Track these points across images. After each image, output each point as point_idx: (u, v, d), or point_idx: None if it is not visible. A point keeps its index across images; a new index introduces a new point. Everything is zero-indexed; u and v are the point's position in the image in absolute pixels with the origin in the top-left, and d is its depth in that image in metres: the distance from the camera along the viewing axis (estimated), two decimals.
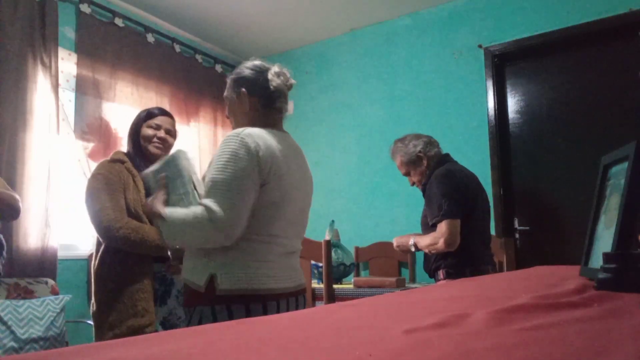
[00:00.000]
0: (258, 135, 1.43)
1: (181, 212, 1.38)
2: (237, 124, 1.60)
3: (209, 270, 1.39)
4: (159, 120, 2.03)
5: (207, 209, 1.32)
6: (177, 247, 1.77)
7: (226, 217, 1.32)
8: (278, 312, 1.42)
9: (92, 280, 1.93)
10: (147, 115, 2.04)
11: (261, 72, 1.57)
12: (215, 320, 1.36)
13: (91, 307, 1.93)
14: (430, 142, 2.37)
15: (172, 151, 1.58)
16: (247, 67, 1.60)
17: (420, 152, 2.33)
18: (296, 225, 1.54)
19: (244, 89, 1.57)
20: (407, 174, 2.41)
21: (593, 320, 0.51)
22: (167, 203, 1.45)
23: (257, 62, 1.61)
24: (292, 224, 1.51)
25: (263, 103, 1.56)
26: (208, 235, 1.34)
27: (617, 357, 0.36)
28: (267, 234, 1.43)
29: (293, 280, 1.51)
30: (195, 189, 1.46)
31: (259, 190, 1.40)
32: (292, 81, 1.61)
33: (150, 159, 1.97)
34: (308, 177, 1.62)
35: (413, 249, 2.29)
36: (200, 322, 1.38)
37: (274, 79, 1.56)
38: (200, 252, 1.43)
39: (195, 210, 1.35)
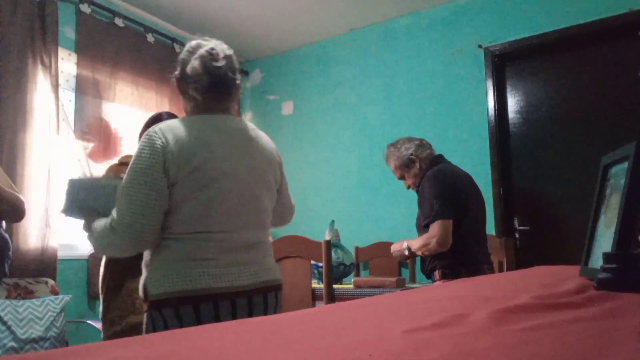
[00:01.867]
0: (169, 128, 1.35)
1: (99, 223, 1.36)
2: (185, 114, 1.51)
3: (144, 275, 1.37)
4: None
5: (111, 216, 1.31)
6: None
7: (121, 222, 1.29)
8: (217, 314, 1.31)
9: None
10: (154, 120, 2.06)
11: (191, 53, 1.44)
12: (153, 326, 1.32)
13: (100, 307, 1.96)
14: (422, 145, 2.38)
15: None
16: (185, 48, 1.48)
17: (412, 155, 2.34)
18: (241, 216, 1.39)
19: (175, 72, 1.47)
20: (401, 177, 2.42)
21: (593, 320, 0.51)
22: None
23: (194, 42, 1.47)
24: (234, 215, 1.37)
25: (194, 88, 1.42)
26: (113, 244, 1.33)
27: (617, 357, 0.36)
28: (197, 231, 1.33)
29: (244, 279, 1.36)
30: None
31: (168, 188, 1.31)
32: (218, 64, 1.42)
33: None
34: (257, 159, 1.46)
35: (407, 253, 2.28)
36: (146, 329, 1.35)
37: (192, 62, 1.42)
38: (143, 258, 1.41)
39: (106, 219, 1.34)
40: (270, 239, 1.60)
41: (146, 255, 1.40)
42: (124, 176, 1.35)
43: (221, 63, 1.43)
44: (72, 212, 1.47)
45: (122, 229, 1.29)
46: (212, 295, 1.31)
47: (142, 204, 1.29)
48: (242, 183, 1.40)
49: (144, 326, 1.38)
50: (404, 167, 2.37)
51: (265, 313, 1.42)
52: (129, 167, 1.35)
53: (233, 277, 1.34)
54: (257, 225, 1.45)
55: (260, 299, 1.41)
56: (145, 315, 1.38)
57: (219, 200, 1.35)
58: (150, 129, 1.36)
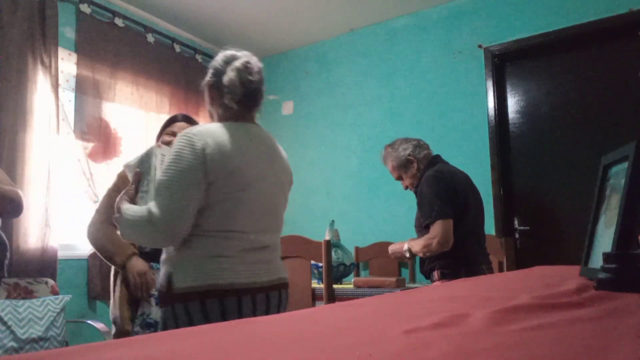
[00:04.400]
0: (208, 132, 1.42)
1: (133, 210, 1.39)
2: (210, 117, 1.61)
3: (168, 269, 1.41)
4: (176, 127, 2.05)
5: (148, 210, 1.35)
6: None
7: (163, 218, 1.33)
8: (240, 308, 1.39)
9: None
10: (167, 122, 2.09)
11: (226, 63, 1.53)
12: (175, 319, 1.37)
13: None
14: (420, 145, 2.38)
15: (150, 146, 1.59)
16: (218, 57, 1.56)
17: (410, 155, 2.34)
18: (262, 220, 1.49)
19: (208, 79, 1.55)
20: (399, 178, 2.42)
21: (593, 320, 0.51)
22: (133, 199, 1.47)
23: (229, 52, 1.57)
24: (256, 218, 1.47)
25: (229, 97, 1.51)
26: (148, 236, 1.39)
27: (617, 357, 0.36)
28: (224, 230, 1.41)
29: (262, 275, 1.46)
30: None
31: (206, 188, 1.38)
32: (252, 78, 1.52)
33: None
34: (279, 170, 1.57)
35: (408, 255, 2.26)
36: (165, 322, 1.40)
37: (228, 73, 1.51)
38: (164, 252, 1.46)
39: (142, 210, 1.37)
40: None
41: (169, 250, 1.44)
42: (161, 174, 1.40)
43: (255, 77, 1.54)
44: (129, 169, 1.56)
45: (162, 223, 1.34)
46: (236, 290, 1.39)
47: (184, 202, 1.35)
48: (268, 189, 1.50)
49: (162, 320, 1.42)
50: (402, 168, 2.37)
51: (278, 308, 1.53)
52: (166, 165, 1.40)
53: (253, 274, 1.43)
54: (274, 229, 1.56)
55: (276, 295, 1.50)
56: (165, 309, 1.41)
57: (247, 203, 1.44)
58: (188, 131, 1.43)
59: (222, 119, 1.55)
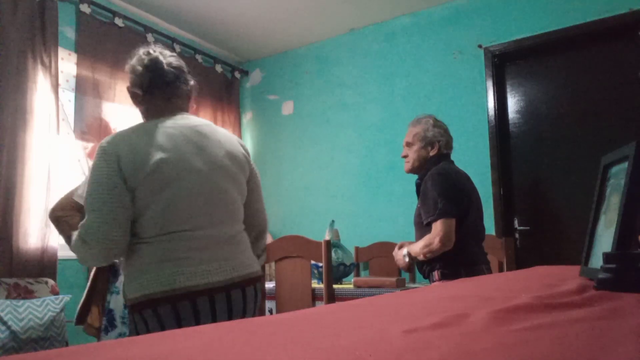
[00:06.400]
0: (121, 138, 1.39)
1: (75, 234, 1.41)
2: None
3: (122, 282, 1.43)
4: None
5: (79, 230, 1.36)
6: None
7: (88, 232, 1.33)
8: (196, 311, 1.33)
9: None
10: None
11: (130, 59, 1.54)
12: (136, 328, 1.36)
13: None
14: (448, 143, 2.33)
15: None
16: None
17: (439, 142, 2.29)
18: (207, 213, 1.40)
19: (128, 84, 1.54)
20: (408, 145, 2.36)
21: (593, 320, 0.51)
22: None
23: (139, 51, 1.55)
24: (196, 214, 1.38)
25: (135, 86, 1.49)
26: (88, 256, 1.38)
27: (617, 357, 0.36)
28: (162, 233, 1.35)
29: (218, 274, 1.38)
30: None
31: (129, 196, 1.34)
32: (153, 58, 1.49)
33: None
34: (217, 158, 1.46)
35: (407, 259, 2.22)
36: (130, 329, 1.41)
37: (130, 63, 1.51)
38: (121, 266, 1.48)
39: (77, 232, 1.38)
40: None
41: (122, 261, 1.45)
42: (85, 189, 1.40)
43: (158, 58, 1.50)
44: None
45: (90, 238, 1.33)
46: (189, 294, 1.32)
47: (105, 213, 1.32)
48: (203, 179, 1.41)
49: (128, 326, 1.44)
50: (421, 141, 2.30)
51: (244, 306, 1.44)
52: (88, 180, 1.39)
53: (208, 274, 1.36)
54: (227, 220, 1.46)
55: (239, 293, 1.42)
56: (129, 317, 1.41)
57: (179, 200, 1.36)
58: (102, 142, 1.40)
59: (146, 117, 1.52)
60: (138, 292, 1.33)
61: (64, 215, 1.83)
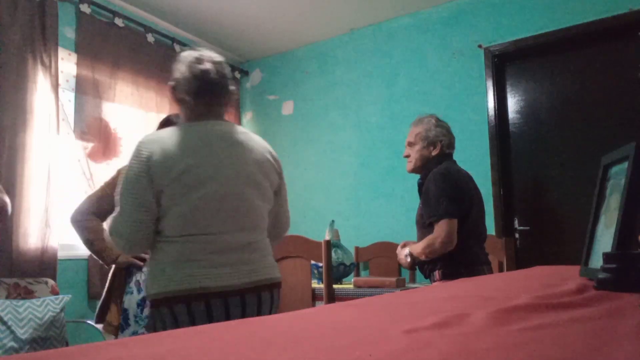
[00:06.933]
0: (156, 139, 1.44)
1: (108, 219, 1.52)
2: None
3: (147, 278, 1.47)
4: None
5: (108, 219, 1.46)
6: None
7: (113, 229, 1.41)
8: (209, 312, 1.36)
9: None
10: (164, 123, 2.09)
11: (179, 62, 1.53)
12: (154, 323, 1.41)
13: None
14: (450, 143, 2.32)
15: None
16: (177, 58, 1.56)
17: (441, 142, 2.28)
18: (231, 219, 1.43)
19: (169, 82, 1.56)
20: (410, 144, 2.35)
21: (593, 320, 0.51)
22: None
23: (185, 52, 1.56)
24: (222, 218, 1.41)
25: (181, 92, 1.51)
26: (116, 244, 1.44)
27: (617, 357, 0.36)
28: (186, 234, 1.39)
29: (236, 278, 1.40)
30: None
31: (157, 195, 1.39)
32: (203, 67, 1.49)
33: None
34: (247, 166, 1.48)
35: (409, 259, 2.21)
36: (149, 324, 1.48)
37: (180, 68, 1.51)
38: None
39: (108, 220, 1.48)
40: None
41: (148, 257, 1.53)
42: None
43: (208, 67, 1.50)
44: None
45: (114, 235, 1.43)
46: (203, 295, 1.36)
47: (129, 212, 1.39)
48: (229, 186, 1.44)
49: (148, 321, 1.49)
50: (423, 141, 2.29)
51: (259, 312, 1.46)
52: (123, 174, 1.46)
53: (224, 277, 1.39)
54: (249, 227, 1.48)
55: (254, 298, 1.44)
56: (150, 312, 1.49)
57: (203, 204, 1.40)
58: (139, 140, 1.46)
59: (185, 120, 1.54)
60: (157, 289, 1.38)
61: (83, 220, 1.99)
